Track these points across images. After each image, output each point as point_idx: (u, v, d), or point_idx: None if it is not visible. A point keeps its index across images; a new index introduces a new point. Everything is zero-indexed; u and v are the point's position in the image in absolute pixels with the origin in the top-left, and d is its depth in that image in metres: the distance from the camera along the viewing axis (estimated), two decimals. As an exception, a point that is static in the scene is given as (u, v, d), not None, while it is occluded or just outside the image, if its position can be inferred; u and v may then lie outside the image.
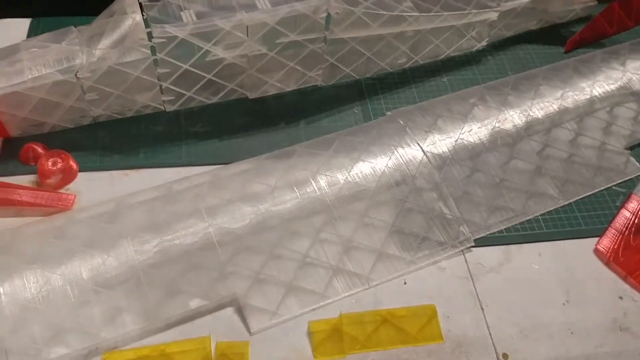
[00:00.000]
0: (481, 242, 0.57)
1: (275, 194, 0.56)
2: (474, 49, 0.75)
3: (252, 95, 0.66)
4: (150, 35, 0.56)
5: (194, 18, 0.59)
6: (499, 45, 0.77)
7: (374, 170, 0.59)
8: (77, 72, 0.56)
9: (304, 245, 0.54)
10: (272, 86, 0.66)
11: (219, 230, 0.53)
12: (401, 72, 0.72)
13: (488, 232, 0.58)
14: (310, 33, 0.62)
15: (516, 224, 0.59)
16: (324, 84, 0.68)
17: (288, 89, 0.67)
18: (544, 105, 0.67)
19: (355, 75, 0.69)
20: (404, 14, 0.65)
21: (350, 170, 0.58)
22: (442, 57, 0.73)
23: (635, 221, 0.60)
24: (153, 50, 0.57)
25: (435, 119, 0.64)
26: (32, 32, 0.71)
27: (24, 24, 0.72)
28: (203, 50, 0.58)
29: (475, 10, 0.70)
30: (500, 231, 0.58)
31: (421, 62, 0.72)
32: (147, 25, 0.56)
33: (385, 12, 0.64)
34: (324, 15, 0.60)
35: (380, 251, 0.55)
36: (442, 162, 0.60)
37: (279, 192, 0.56)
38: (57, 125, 0.61)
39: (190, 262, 0.51)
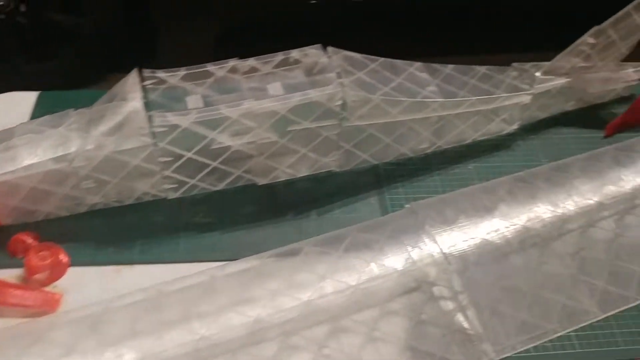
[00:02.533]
0: (505, 363, 0.51)
1: (275, 300, 0.51)
2: (504, 132, 0.69)
3: (261, 181, 0.62)
4: (151, 123, 0.53)
5: (200, 103, 0.55)
6: (532, 129, 0.71)
7: (386, 275, 0.53)
8: (73, 160, 0.53)
9: (305, 362, 0.49)
10: (283, 172, 0.62)
11: (209, 342, 0.48)
12: (423, 157, 0.67)
13: (514, 352, 0.52)
14: (325, 120, 0.57)
15: (546, 342, 0.52)
16: (339, 170, 0.64)
17: (300, 175, 0.63)
18: (579, 200, 0.61)
19: (373, 161, 0.64)
20: (427, 99, 0.60)
21: (361, 274, 0.53)
22: (469, 141, 0.68)
23: (685, 340, 0.53)
24: (153, 136, 0.54)
25: (458, 215, 0.58)
26: (39, 106, 0.68)
27: (31, 97, 0.70)
28: (208, 139, 0.55)
29: (506, 94, 0.65)
30: (528, 350, 0.52)
31: (445, 147, 0.67)
32: (148, 110, 0.53)
33: (406, 99, 0.59)
34: (340, 103, 0.56)
35: (390, 371, 0.49)
36: (464, 267, 0.55)
37: (280, 297, 0.51)
38: (51, 213, 0.57)
39: (176, 380, 0.47)
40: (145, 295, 0.50)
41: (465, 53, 0.69)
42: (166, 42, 1.27)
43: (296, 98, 0.55)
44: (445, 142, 0.67)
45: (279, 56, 0.59)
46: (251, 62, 0.58)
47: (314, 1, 1.27)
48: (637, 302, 0.56)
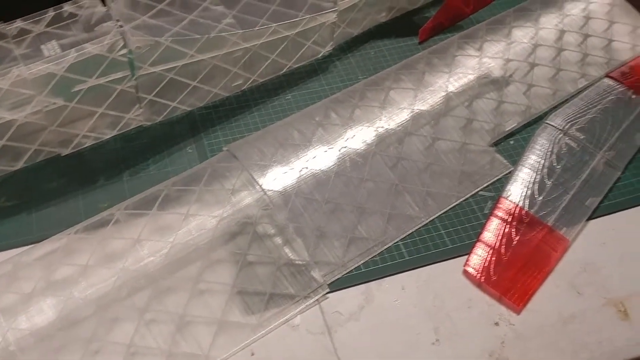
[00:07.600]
0: (338, 285, 0.51)
1: (88, 276, 0.47)
2: (320, 55, 0.68)
3: (64, 152, 0.57)
4: None
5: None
6: (347, 47, 0.70)
7: (206, 225, 0.51)
8: None
9: (127, 332, 0.46)
10: (86, 137, 0.57)
11: (19, 335, 0.44)
12: (240, 94, 0.64)
13: (345, 272, 0.51)
14: (113, 73, 0.53)
15: (375, 256, 0.53)
16: (149, 124, 0.60)
17: (107, 137, 0.58)
18: (394, 112, 0.60)
19: (185, 107, 0.61)
20: (223, 34, 0.57)
21: (179, 230, 0.50)
22: (285, 70, 0.66)
23: (506, 230, 0.55)
24: None
25: (276, 149, 0.56)
26: None
27: None
28: (-17, 118, 0.49)
29: (309, 15, 0.62)
30: (358, 268, 0.52)
31: (261, 81, 0.65)
32: None
33: (199, 36, 0.56)
34: (123, 52, 0.52)
35: (221, 321, 0.47)
36: (285, 200, 0.53)
37: (93, 272, 0.48)
38: None
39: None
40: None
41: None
42: None
43: (71, 56, 0.50)
44: (260, 75, 0.64)
45: (50, 12, 0.53)
46: (19, 23, 0.52)
47: None
48: (458, 200, 0.57)
